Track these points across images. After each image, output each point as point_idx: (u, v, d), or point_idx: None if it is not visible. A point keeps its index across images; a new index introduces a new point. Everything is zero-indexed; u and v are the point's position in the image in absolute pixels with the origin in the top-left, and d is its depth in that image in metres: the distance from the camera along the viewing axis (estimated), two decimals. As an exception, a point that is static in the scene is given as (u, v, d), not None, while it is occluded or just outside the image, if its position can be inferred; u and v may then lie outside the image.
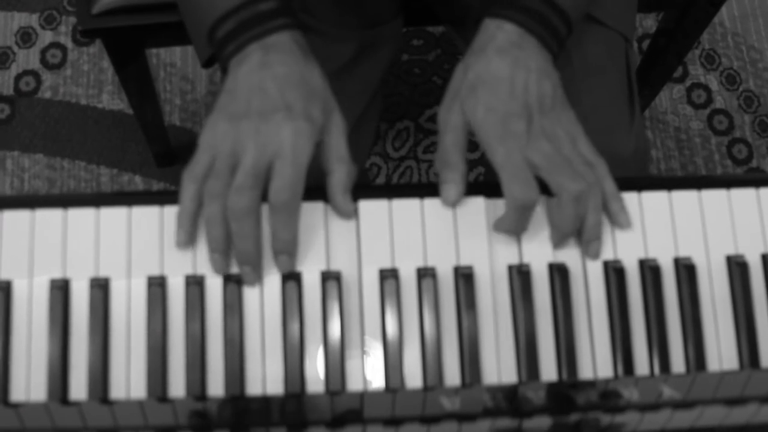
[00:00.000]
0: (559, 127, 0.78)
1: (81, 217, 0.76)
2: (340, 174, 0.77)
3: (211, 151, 0.75)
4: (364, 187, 0.77)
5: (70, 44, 1.90)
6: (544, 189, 0.77)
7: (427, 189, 0.78)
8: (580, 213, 0.76)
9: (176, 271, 0.75)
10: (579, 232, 0.78)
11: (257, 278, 0.75)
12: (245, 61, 0.77)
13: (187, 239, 0.75)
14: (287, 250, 0.75)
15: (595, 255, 0.78)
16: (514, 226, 0.77)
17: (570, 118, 0.80)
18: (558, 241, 0.78)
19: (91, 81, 1.86)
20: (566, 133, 0.79)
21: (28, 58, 1.89)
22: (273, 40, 0.78)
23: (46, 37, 1.91)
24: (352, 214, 0.77)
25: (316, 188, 0.76)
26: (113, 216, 0.76)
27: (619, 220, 0.79)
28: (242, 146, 0.74)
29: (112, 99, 1.85)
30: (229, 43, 0.79)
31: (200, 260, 0.75)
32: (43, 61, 1.88)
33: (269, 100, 0.75)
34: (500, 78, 0.78)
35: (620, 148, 1.02)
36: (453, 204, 0.78)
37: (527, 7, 0.80)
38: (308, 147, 0.74)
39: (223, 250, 0.75)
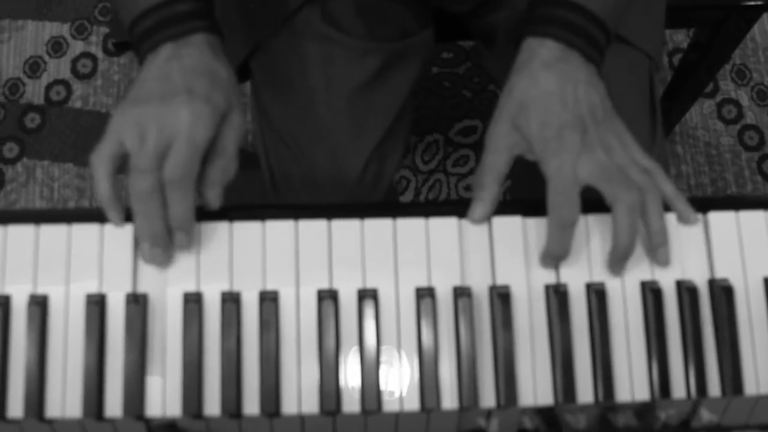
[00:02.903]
0: (612, 135, 0.78)
1: (118, 232, 0.76)
2: (216, 166, 0.77)
3: (116, 136, 0.76)
4: (403, 205, 0.76)
5: (100, 54, 1.91)
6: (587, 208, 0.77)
7: (464, 207, 0.78)
8: (636, 224, 0.76)
9: (212, 287, 0.75)
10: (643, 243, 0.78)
11: (167, 257, 0.76)
12: (157, 56, 0.79)
13: (120, 218, 0.76)
14: (183, 227, 0.75)
15: (665, 261, 0.77)
16: (555, 245, 0.76)
17: (621, 127, 0.80)
18: (617, 260, 0.77)
19: (121, 91, 1.87)
20: (619, 141, 0.78)
21: (58, 68, 1.90)
22: (186, 40, 0.79)
23: (77, 47, 1.92)
24: (216, 206, 0.78)
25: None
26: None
27: (686, 216, 0.79)
28: (144, 129, 0.74)
29: (142, 109, 1.85)
30: (146, 40, 0.80)
31: (237, 277, 0.75)
32: (74, 71, 1.89)
33: (172, 85, 0.76)
34: (550, 92, 0.78)
35: None
36: (477, 222, 0.78)
37: (568, 22, 0.80)
38: (207, 128, 0.75)
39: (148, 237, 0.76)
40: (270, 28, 1.02)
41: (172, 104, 0.75)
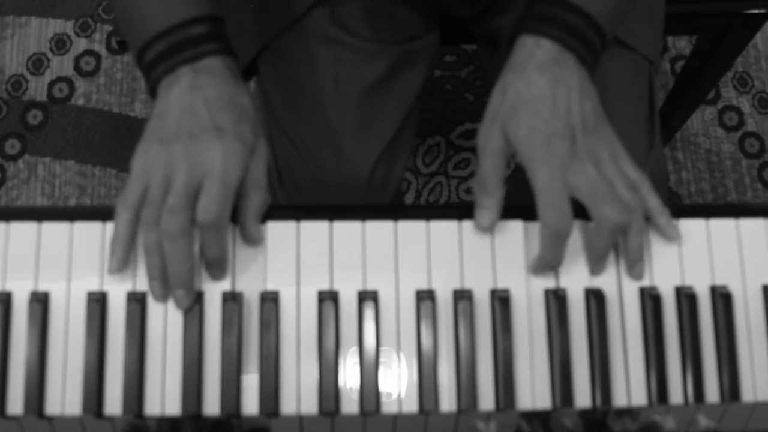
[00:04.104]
0: (602, 146, 0.77)
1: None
2: (254, 200, 0.76)
3: (143, 179, 0.74)
4: (404, 208, 0.76)
5: (104, 52, 1.91)
6: (579, 213, 0.77)
7: (465, 210, 0.78)
8: (615, 240, 0.76)
9: (213, 287, 0.75)
10: (619, 252, 0.78)
11: (191, 301, 0.74)
12: (175, 84, 0.77)
13: (120, 267, 0.74)
14: (218, 264, 0.75)
15: (639, 276, 0.77)
16: (549, 255, 0.76)
17: (611, 136, 0.79)
18: (594, 264, 0.77)
19: (124, 89, 1.88)
20: (609, 152, 0.78)
21: (62, 65, 1.90)
22: (204, 64, 0.77)
23: (81, 44, 1.92)
24: (260, 241, 0.76)
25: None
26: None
27: (667, 232, 0.78)
28: (173, 169, 0.73)
29: (144, 107, 1.86)
30: (159, 65, 0.78)
31: (238, 277, 0.76)
32: (77, 68, 1.90)
33: (199, 122, 0.75)
34: (542, 97, 0.77)
35: None
36: (485, 229, 0.77)
37: (565, 23, 0.79)
38: (239, 166, 0.74)
39: (161, 278, 0.74)
40: (279, 29, 1.02)
41: (201, 142, 0.74)
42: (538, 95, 0.77)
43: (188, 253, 0.73)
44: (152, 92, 0.79)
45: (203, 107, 0.75)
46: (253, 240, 0.76)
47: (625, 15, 0.88)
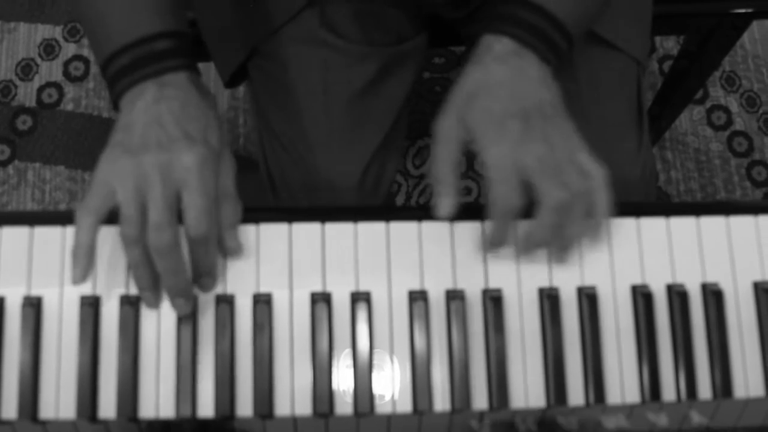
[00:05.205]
0: (557, 133, 0.76)
1: (111, 234, 0.75)
2: (227, 210, 0.75)
3: (106, 185, 0.72)
4: (396, 209, 0.77)
5: (93, 57, 1.91)
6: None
7: (458, 211, 0.78)
8: (558, 224, 0.75)
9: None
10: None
11: (191, 307, 0.74)
12: (140, 97, 0.76)
13: (84, 275, 0.72)
14: (210, 273, 0.75)
15: (561, 260, 0.77)
16: (497, 232, 0.76)
17: (570, 129, 0.78)
18: (525, 248, 0.77)
19: (113, 94, 1.87)
20: (564, 140, 0.77)
21: (50, 70, 1.90)
22: (168, 79, 0.76)
23: (69, 49, 1.92)
24: (240, 251, 0.76)
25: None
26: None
27: (594, 233, 0.78)
28: (146, 181, 0.72)
29: (134, 112, 1.85)
30: (123, 78, 0.77)
31: (230, 279, 0.76)
32: (66, 74, 1.89)
33: (166, 132, 0.73)
34: (500, 82, 0.77)
35: (625, 174, 1.01)
36: (445, 217, 0.77)
37: (526, 22, 0.79)
38: (211, 172, 0.73)
39: (152, 287, 0.74)
40: (268, 32, 1.02)
41: (171, 152, 0.72)
42: (496, 81, 0.77)
43: (181, 265, 0.73)
44: (115, 105, 0.78)
45: (169, 117, 0.74)
46: (233, 251, 0.76)
47: (596, 15, 0.87)
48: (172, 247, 0.71)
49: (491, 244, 0.77)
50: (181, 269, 0.73)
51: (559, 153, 0.75)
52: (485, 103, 0.76)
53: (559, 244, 0.77)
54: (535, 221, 0.75)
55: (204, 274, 0.75)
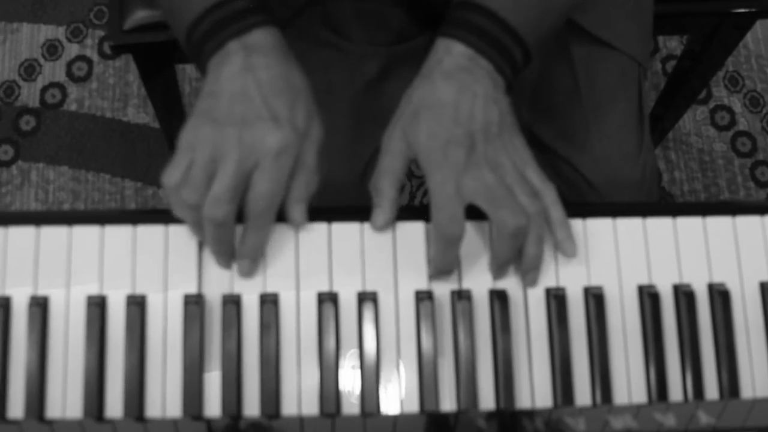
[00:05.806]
0: (504, 154, 0.76)
1: (118, 233, 0.76)
2: (300, 181, 0.75)
3: (189, 153, 0.73)
4: (402, 209, 0.76)
5: (96, 57, 1.91)
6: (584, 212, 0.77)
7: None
8: (519, 245, 0.75)
9: (213, 289, 0.75)
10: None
11: (229, 262, 0.75)
12: (226, 62, 0.76)
13: (228, 261, 0.75)
14: (252, 256, 0.75)
15: (533, 283, 0.77)
16: (440, 259, 0.75)
17: (517, 144, 0.77)
18: (496, 269, 0.77)
19: (116, 94, 1.87)
20: (511, 161, 0.76)
21: (54, 71, 1.90)
22: (253, 39, 0.76)
23: (72, 50, 1.92)
24: (302, 224, 0.76)
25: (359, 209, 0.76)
26: (150, 233, 0.76)
27: (564, 248, 0.77)
28: (223, 153, 0.72)
29: (137, 112, 1.85)
30: (207, 42, 0.77)
31: (237, 278, 0.75)
32: (69, 74, 1.89)
33: (253, 108, 0.73)
34: (444, 103, 0.76)
35: (626, 176, 1.01)
36: (379, 229, 0.77)
37: (479, 28, 0.78)
38: (290, 159, 0.73)
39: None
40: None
41: (254, 130, 0.72)
42: (441, 101, 0.76)
43: (228, 238, 0.74)
44: (202, 71, 0.79)
45: (256, 91, 0.74)
46: (295, 223, 0.76)
47: (557, 24, 0.86)
48: (224, 223, 0.72)
49: (436, 270, 0.76)
50: (225, 241, 0.73)
51: (508, 176, 0.75)
52: (429, 125, 0.75)
53: (523, 267, 0.76)
54: (494, 248, 0.76)
55: (245, 255, 0.75)
